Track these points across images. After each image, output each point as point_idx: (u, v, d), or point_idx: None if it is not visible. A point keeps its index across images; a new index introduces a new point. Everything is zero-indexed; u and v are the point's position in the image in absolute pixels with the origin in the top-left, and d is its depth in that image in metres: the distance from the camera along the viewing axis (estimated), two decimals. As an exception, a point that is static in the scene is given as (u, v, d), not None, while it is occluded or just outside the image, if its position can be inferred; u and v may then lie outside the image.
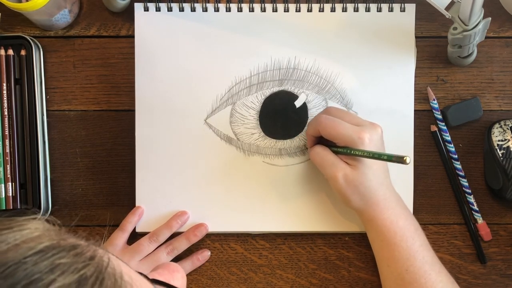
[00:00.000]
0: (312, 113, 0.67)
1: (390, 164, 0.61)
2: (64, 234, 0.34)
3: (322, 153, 0.61)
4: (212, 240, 0.68)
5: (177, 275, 0.49)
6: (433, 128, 0.68)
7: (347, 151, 0.59)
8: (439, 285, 0.58)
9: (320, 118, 0.60)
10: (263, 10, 0.67)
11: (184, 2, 0.67)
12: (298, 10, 0.67)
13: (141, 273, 0.40)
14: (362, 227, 0.67)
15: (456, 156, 0.67)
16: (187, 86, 0.67)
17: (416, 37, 0.67)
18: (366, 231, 0.63)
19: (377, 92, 0.67)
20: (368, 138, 0.57)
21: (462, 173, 0.67)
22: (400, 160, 0.54)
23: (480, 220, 0.67)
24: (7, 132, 0.66)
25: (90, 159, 0.68)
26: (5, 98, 0.66)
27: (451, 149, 0.67)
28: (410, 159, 0.53)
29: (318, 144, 0.62)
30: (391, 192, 0.60)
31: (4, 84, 0.66)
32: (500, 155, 0.65)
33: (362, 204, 0.60)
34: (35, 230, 0.32)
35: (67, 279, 0.30)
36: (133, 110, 0.67)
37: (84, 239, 0.35)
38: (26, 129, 0.66)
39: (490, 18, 0.60)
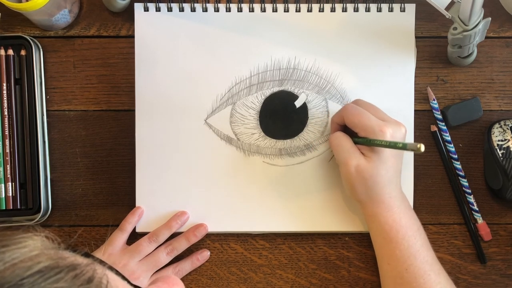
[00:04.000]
0: (312, 113, 0.67)
1: None
2: (63, 252, 0.33)
3: (341, 138, 0.61)
4: (212, 240, 0.68)
5: None
6: (433, 128, 0.68)
7: (366, 141, 0.59)
8: (438, 287, 0.58)
9: (347, 106, 0.61)
10: (263, 10, 0.67)
11: (184, 2, 0.67)
12: (298, 10, 0.67)
13: (138, 287, 0.40)
14: (362, 227, 0.67)
15: (456, 156, 0.67)
16: (187, 86, 0.67)
17: (416, 37, 0.67)
18: (368, 227, 0.63)
19: (377, 92, 0.67)
20: (389, 134, 0.58)
21: (462, 173, 0.67)
22: (414, 147, 0.54)
23: (480, 220, 0.67)
24: (7, 132, 0.66)
25: (90, 159, 0.68)
26: (5, 98, 0.66)
27: (451, 149, 0.67)
28: (423, 147, 0.53)
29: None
30: (397, 191, 0.61)
31: (4, 84, 0.66)
32: (500, 155, 0.65)
33: (367, 198, 0.60)
34: (34, 248, 0.32)
35: None
36: (133, 110, 0.67)
37: (84, 256, 0.34)
38: (26, 129, 0.66)
39: (490, 18, 0.60)
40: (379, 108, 0.61)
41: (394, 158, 0.59)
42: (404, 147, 0.55)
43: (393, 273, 0.60)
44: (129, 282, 0.39)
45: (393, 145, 0.56)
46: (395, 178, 0.60)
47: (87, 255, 0.35)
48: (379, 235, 0.61)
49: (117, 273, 0.37)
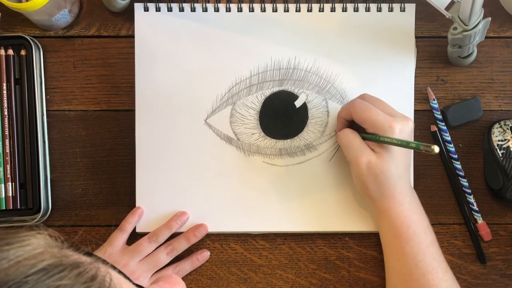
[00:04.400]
0: (312, 113, 0.67)
1: None
2: (66, 250, 0.33)
3: (350, 136, 0.61)
4: (212, 240, 0.68)
5: None
6: (433, 128, 0.68)
7: (375, 138, 0.59)
8: (444, 284, 0.59)
9: (355, 102, 0.61)
10: (263, 10, 0.67)
11: (184, 2, 0.67)
12: (298, 10, 0.67)
13: (141, 286, 0.40)
14: (362, 227, 0.67)
15: (456, 156, 0.67)
16: (187, 86, 0.67)
17: (416, 37, 0.67)
18: (378, 223, 0.63)
19: (377, 92, 0.67)
20: (398, 129, 0.58)
21: (462, 173, 0.67)
22: (427, 148, 0.54)
23: (480, 220, 0.67)
24: (7, 132, 0.66)
25: (90, 159, 0.68)
26: (5, 98, 0.66)
27: (451, 149, 0.67)
28: (438, 148, 0.53)
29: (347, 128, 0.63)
30: (408, 186, 0.61)
31: (4, 84, 0.66)
32: (500, 155, 0.65)
33: (379, 194, 0.60)
34: (37, 246, 0.32)
35: None
36: (133, 110, 0.67)
37: (86, 255, 0.34)
38: (26, 129, 0.66)
39: (490, 18, 0.60)
40: (386, 103, 0.61)
41: (403, 153, 0.59)
42: (417, 147, 0.55)
43: (401, 269, 0.60)
44: (131, 281, 0.39)
45: (405, 144, 0.56)
46: (405, 173, 0.60)
47: (89, 254, 0.35)
48: (389, 231, 0.61)
49: (120, 272, 0.37)
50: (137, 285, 0.39)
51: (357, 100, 0.61)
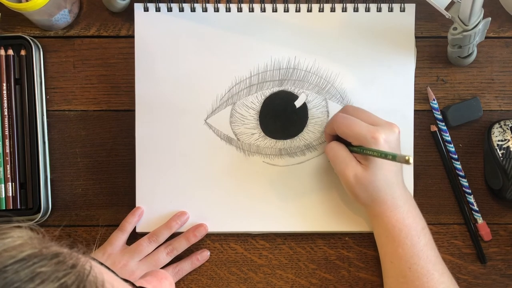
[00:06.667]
0: (312, 113, 0.67)
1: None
2: (47, 242, 0.34)
3: (336, 149, 0.61)
4: (212, 240, 0.68)
5: (166, 283, 0.49)
6: (433, 128, 0.68)
7: (360, 150, 0.59)
8: (441, 286, 0.58)
9: (336, 117, 0.61)
10: (263, 10, 0.67)
11: (184, 2, 0.67)
12: (298, 10, 0.67)
13: (127, 280, 0.40)
14: (362, 227, 0.67)
15: (456, 156, 0.67)
16: (187, 86, 0.67)
17: (416, 37, 0.67)
18: (372, 227, 0.63)
19: (377, 92, 0.67)
20: (383, 139, 0.57)
21: (462, 173, 0.67)
22: (402, 159, 0.54)
23: (480, 220, 0.67)
24: (7, 132, 0.66)
25: (90, 159, 0.68)
26: (5, 98, 0.66)
27: (451, 149, 0.67)
28: (412, 159, 0.54)
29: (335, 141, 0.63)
30: (401, 191, 0.60)
31: (4, 84, 0.66)
32: (500, 155, 0.65)
33: (370, 201, 0.60)
34: (17, 238, 0.32)
35: (47, 287, 0.30)
36: (133, 110, 0.67)
37: (68, 247, 0.35)
38: (26, 129, 0.66)
39: (490, 18, 0.60)
40: (369, 112, 0.61)
41: (390, 162, 0.59)
42: (393, 158, 0.55)
43: (395, 272, 0.60)
44: (114, 272, 0.39)
45: (383, 156, 0.56)
46: (395, 179, 0.60)
47: (71, 246, 0.35)
48: (382, 234, 0.61)
49: (101, 264, 0.38)
50: (122, 278, 0.39)
51: (338, 115, 0.61)
